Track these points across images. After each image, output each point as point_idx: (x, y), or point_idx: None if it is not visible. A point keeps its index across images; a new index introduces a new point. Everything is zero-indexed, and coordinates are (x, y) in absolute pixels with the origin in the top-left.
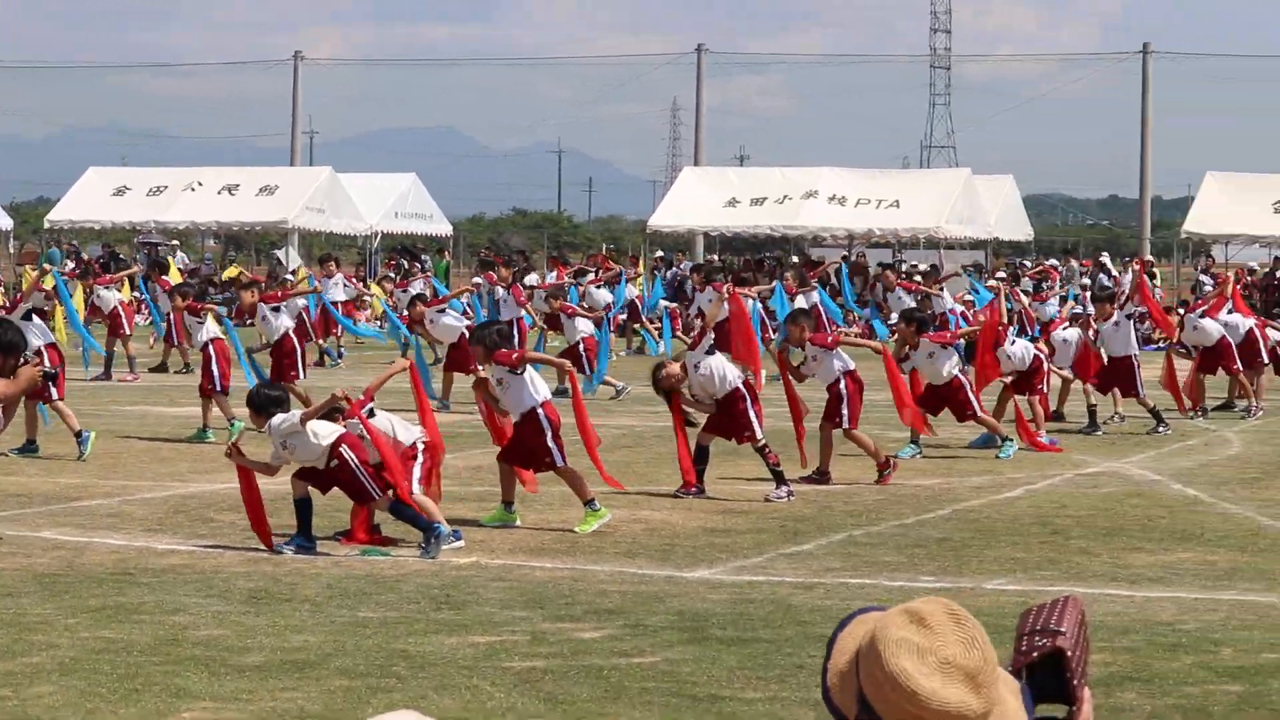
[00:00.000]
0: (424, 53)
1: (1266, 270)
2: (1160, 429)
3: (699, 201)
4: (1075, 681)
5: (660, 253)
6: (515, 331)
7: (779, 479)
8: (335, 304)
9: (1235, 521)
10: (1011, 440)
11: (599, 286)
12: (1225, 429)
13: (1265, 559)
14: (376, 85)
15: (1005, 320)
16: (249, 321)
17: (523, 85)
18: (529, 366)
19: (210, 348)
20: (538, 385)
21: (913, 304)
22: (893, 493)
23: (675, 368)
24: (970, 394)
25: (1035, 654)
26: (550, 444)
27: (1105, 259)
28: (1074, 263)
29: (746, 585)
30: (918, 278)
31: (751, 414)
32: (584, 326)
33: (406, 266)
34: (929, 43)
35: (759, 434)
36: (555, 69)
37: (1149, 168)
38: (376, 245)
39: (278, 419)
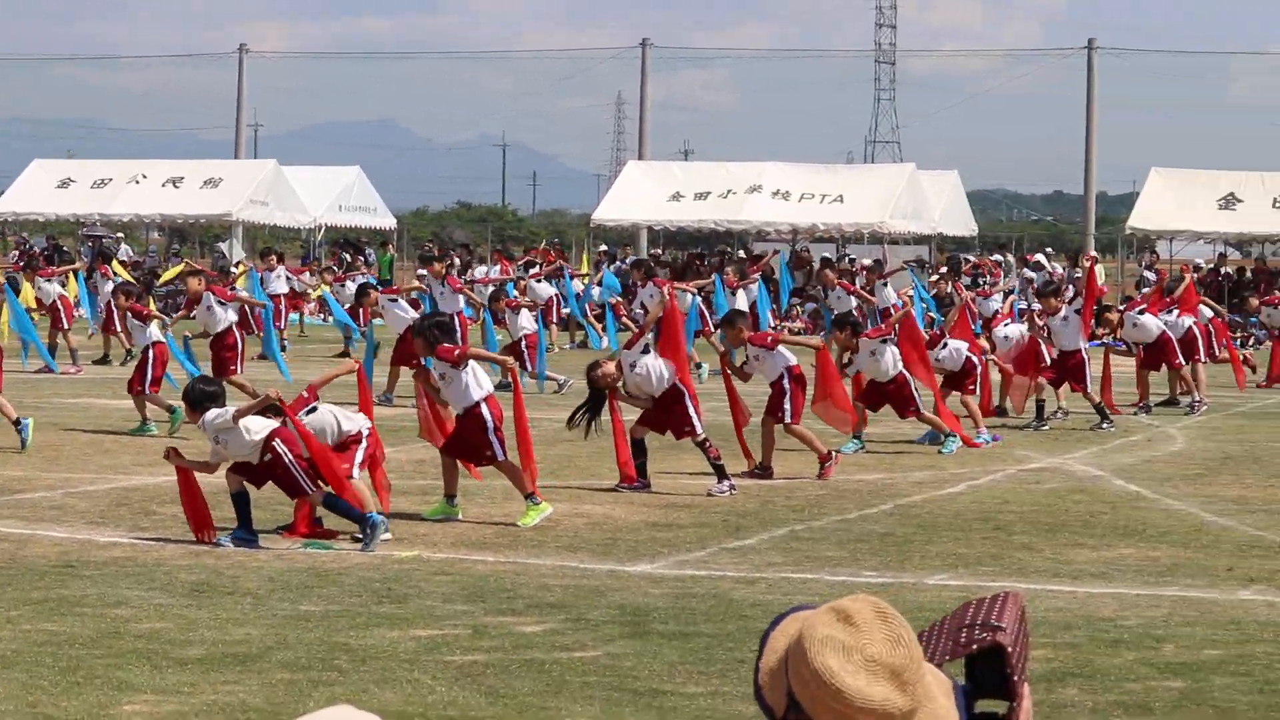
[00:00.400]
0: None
1: (1211, 266)
2: (1104, 425)
3: (643, 196)
4: (1016, 678)
5: (604, 246)
6: (456, 325)
7: (720, 473)
8: (277, 297)
9: (1178, 517)
10: (954, 436)
11: (539, 280)
12: (1168, 425)
13: (1207, 555)
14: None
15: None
16: (192, 316)
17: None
18: (471, 362)
19: (151, 351)
20: (480, 380)
21: (853, 303)
22: (835, 487)
23: (610, 367)
24: (913, 390)
25: (975, 646)
26: (491, 438)
27: (1041, 257)
28: (1009, 257)
29: (688, 580)
30: (860, 276)
31: (691, 410)
32: (526, 323)
33: (349, 260)
34: (874, 38)
35: (699, 429)
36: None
37: (1093, 163)
38: (320, 238)
39: (211, 414)
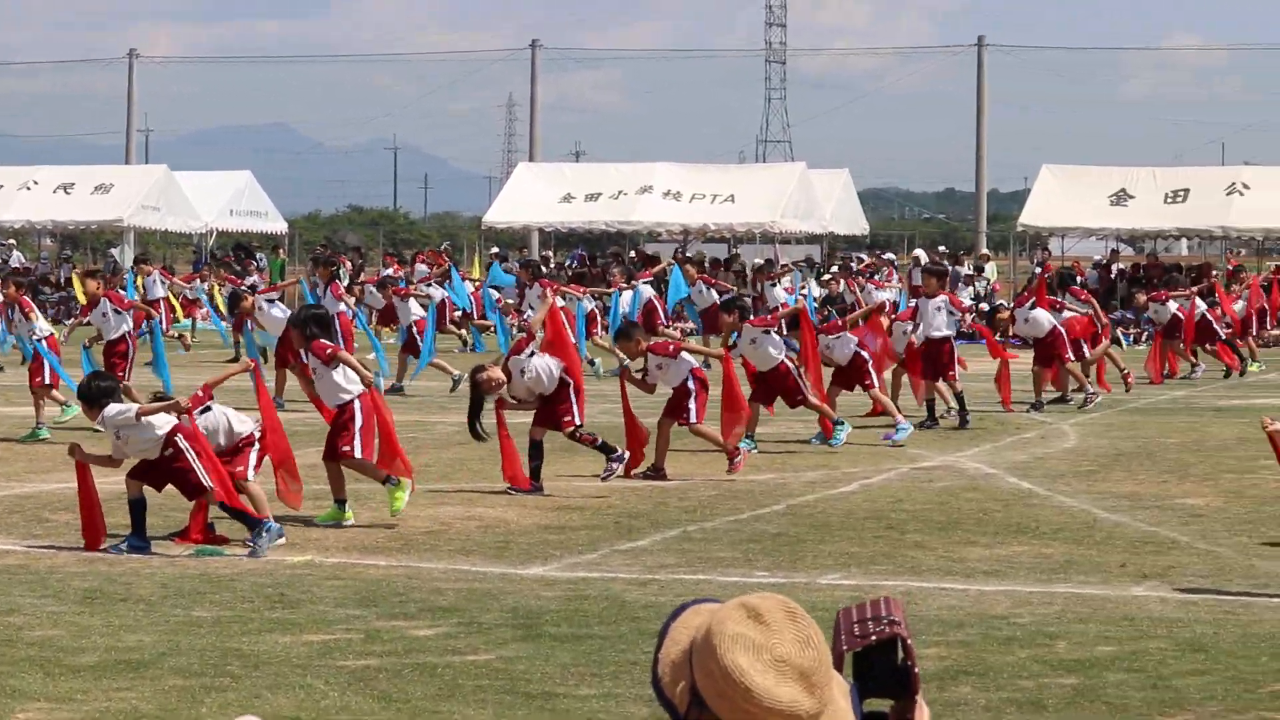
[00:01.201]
0: (259, 49)
1: (1103, 262)
2: (964, 421)
3: (534, 197)
4: (915, 669)
5: (496, 249)
6: (336, 325)
7: (606, 451)
8: (155, 302)
9: (1070, 514)
10: (844, 424)
11: (429, 284)
12: (1061, 422)
13: (1100, 551)
14: (212, 82)
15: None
16: (87, 322)
17: (358, 81)
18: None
19: (43, 344)
20: (350, 379)
21: (715, 297)
22: (727, 488)
23: (496, 372)
24: (800, 379)
25: (874, 638)
26: (355, 434)
27: (920, 253)
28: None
29: (581, 582)
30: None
31: (573, 402)
32: (415, 309)
33: (240, 267)
34: (764, 37)
35: (576, 419)
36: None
37: (984, 161)
38: (212, 243)
39: (112, 410)
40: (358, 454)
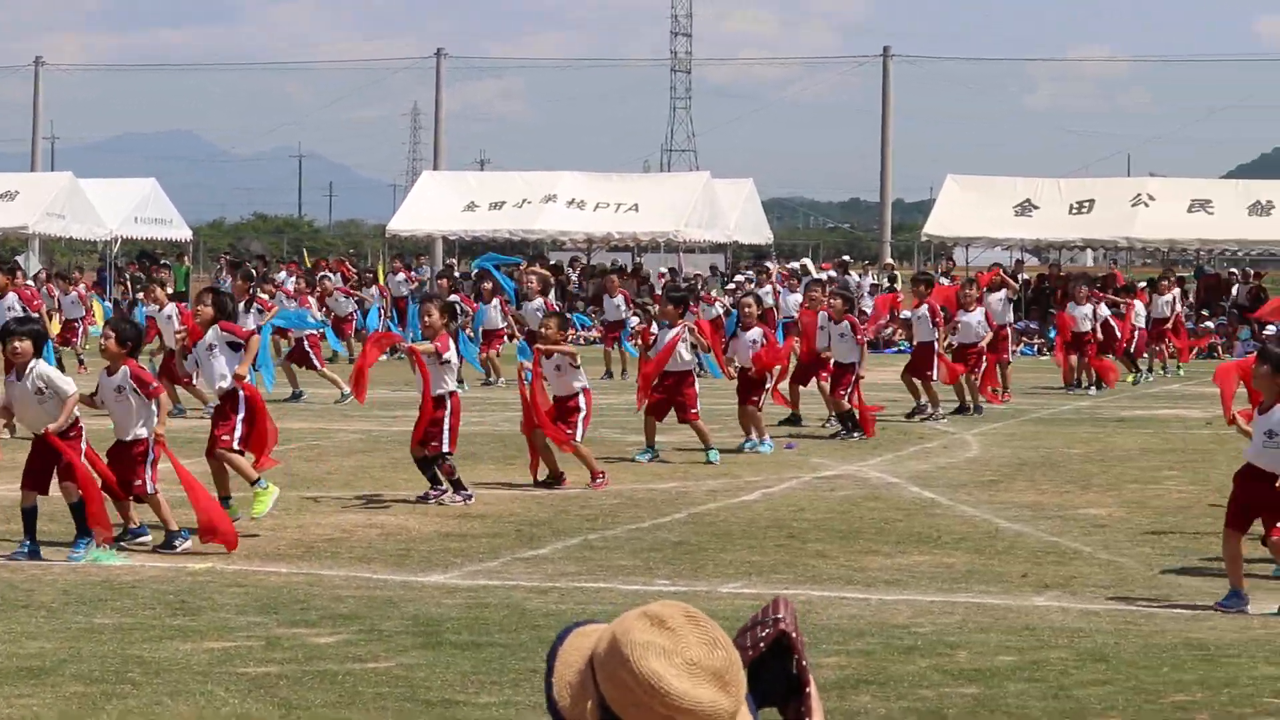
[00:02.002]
0: (165, 57)
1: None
2: (853, 434)
3: (438, 206)
4: (804, 663)
5: (399, 257)
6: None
7: (434, 482)
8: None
9: (972, 524)
10: (753, 441)
11: (344, 296)
12: (964, 432)
13: (1001, 561)
14: (118, 90)
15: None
16: None
17: (263, 89)
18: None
19: None
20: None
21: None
22: (628, 496)
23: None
24: (695, 394)
25: (762, 644)
26: (236, 425)
27: (806, 263)
28: (809, 264)
29: (481, 590)
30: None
31: (446, 425)
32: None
33: (145, 277)
34: (670, 47)
35: (445, 445)
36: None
37: (890, 170)
38: (117, 251)
39: (44, 366)
40: (235, 447)
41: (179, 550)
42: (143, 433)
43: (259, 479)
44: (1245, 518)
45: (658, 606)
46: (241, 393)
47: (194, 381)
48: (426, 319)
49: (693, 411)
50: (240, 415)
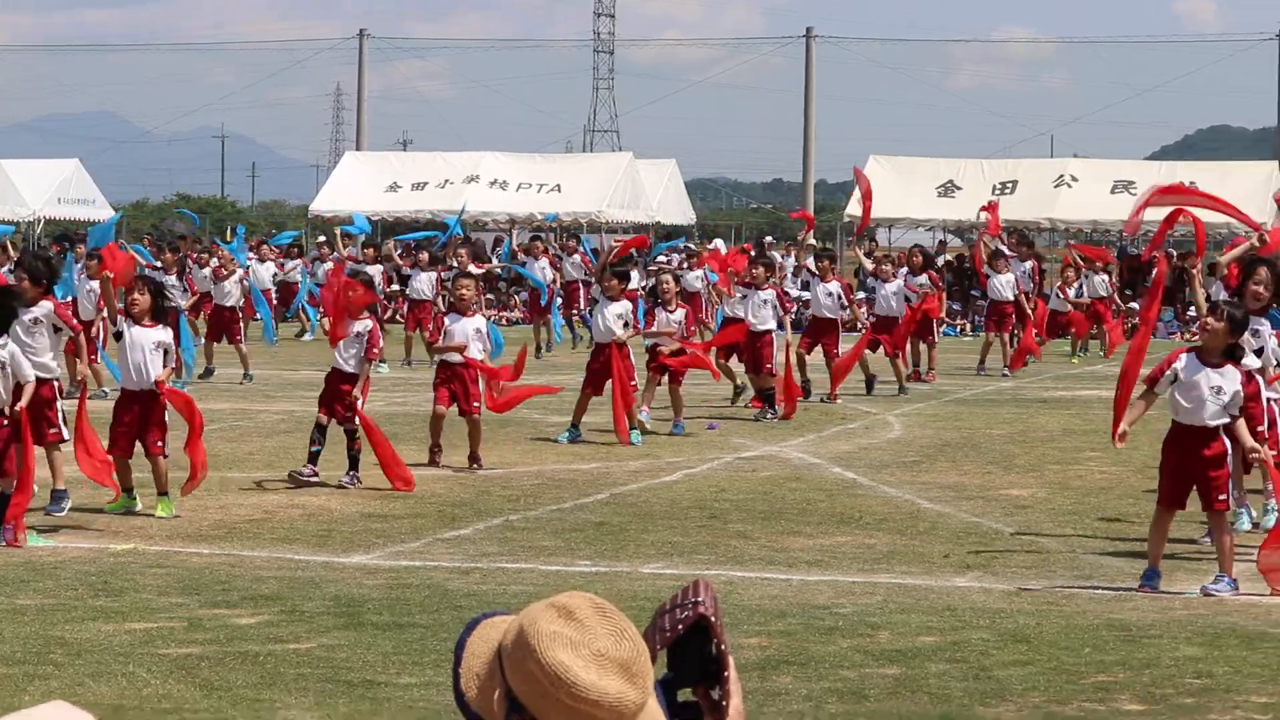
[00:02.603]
0: (88, 38)
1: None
2: (769, 415)
3: (361, 186)
4: (723, 647)
5: (323, 238)
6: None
7: (353, 464)
8: None
9: (894, 504)
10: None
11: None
12: (886, 412)
13: (923, 542)
14: (39, 71)
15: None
16: None
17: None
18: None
19: None
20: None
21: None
22: (550, 477)
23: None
24: (634, 368)
25: (681, 627)
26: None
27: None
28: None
29: (403, 570)
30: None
31: (357, 399)
32: (233, 290)
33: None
34: (593, 27)
35: (356, 421)
36: (219, 53)
37: (812, 151)
38: (40, 232)
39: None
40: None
41: (59, 514)
42: (53, 367)
43: (167, 491)
44: (1182, 491)
45: (565, 597)
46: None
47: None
48: (351, 294)
49: (632, 384)
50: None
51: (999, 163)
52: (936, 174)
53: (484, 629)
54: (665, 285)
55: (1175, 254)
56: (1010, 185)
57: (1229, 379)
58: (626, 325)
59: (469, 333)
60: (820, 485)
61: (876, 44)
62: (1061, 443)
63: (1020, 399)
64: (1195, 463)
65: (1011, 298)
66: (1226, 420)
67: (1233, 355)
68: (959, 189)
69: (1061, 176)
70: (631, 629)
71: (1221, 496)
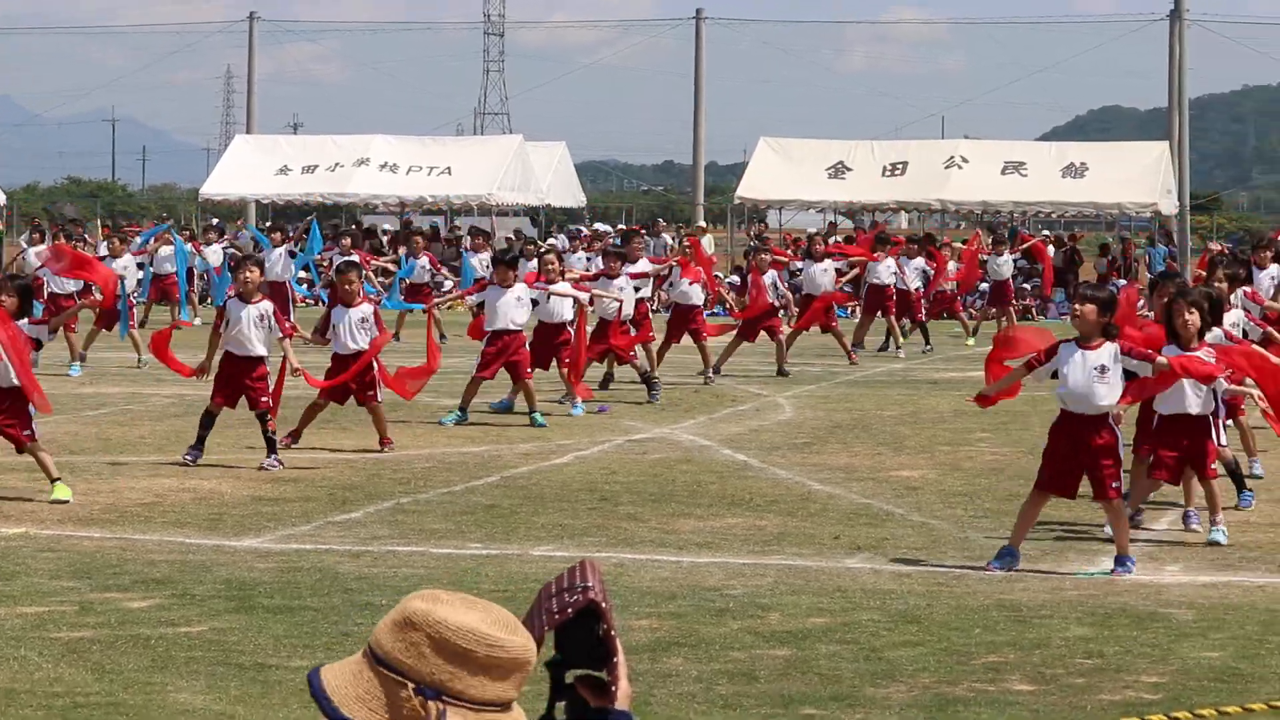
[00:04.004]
0: None
1: (820, 234)
2: (653, 396)
3: (251, 170)
4: (612, 632)
5: (215, 220)
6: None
7: (271, 447)
8: None
9: (785, 486)
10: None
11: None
12: (777, 394)
13: (814, 524)
14: None
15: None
16: None
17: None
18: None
19: None
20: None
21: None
22: (441, 460)
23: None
24: (525, 354)
25: (570, 610)
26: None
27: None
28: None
29: (294, 554)
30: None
31: (269, 382)
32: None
33: None
34: (483, 10)
35: (269, 401)
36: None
37: (702, 133)
38: None
39: None
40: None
41: None
42: None
43: (59, 477)
44: (1071, 480)
45: (419, 593)
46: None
47: None
48: (245, 277)
49: (528, 371)
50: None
51: (889, 144)
52: (827, 156)
53: (326, 673)
54: (550, 264)
55: (1066, 236)
56: (900, 166)
57: (1108, 354)
58: (526, 307)
59: (354, 322)
60: (711, 467)
61: (767, 25)
62: (952, 424)
63: (911, 380)
64: (1085, 452)
65: (891, 283)
66: (1115, 401)
67: (1108, 335)
68: (849, 170)
69: (952, 158)
70: (485, 602)
71: (1114, 484)
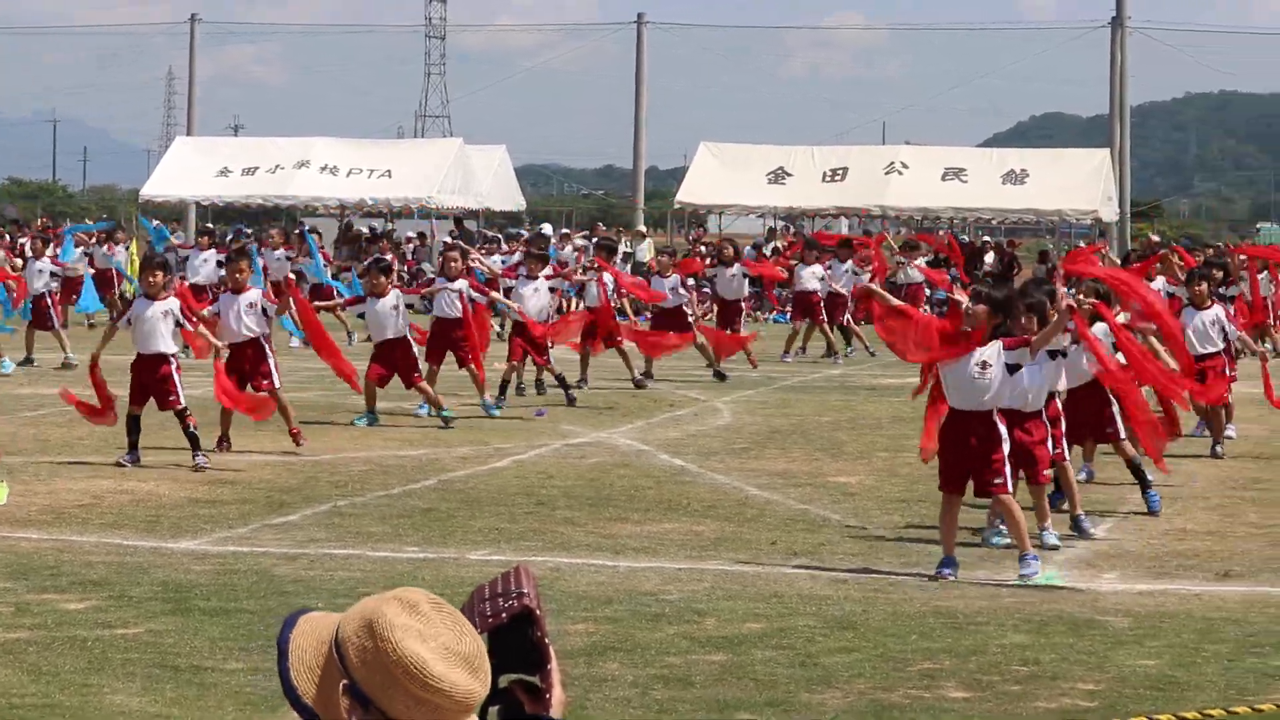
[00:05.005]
0: None
1: (761, 240)
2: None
3: (191, 171)
4: (546, 639)
5: (156, 221)
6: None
7: (194, 443)
8: None
9: (722, 492)
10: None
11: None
12: (715, 399)
13: (751, 529)
14: None
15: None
16: None
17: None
18: None
19: None
20: None
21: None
22: (378, 463)
23: None
24: (416, 357)
25: (505, 615)
26: None
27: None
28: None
29: (231, 556)
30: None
31: (176, 379)
32: (41, 282)
33: None
34: (425, 12)
35: (181, 400)
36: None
37: (643, 137)
38: None
39: None
40: None
41: None
42: None
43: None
44: (961, 476)
45: (404, 592)
46: None
47: None
48: (150, 278)
49: (416, 374)
50: None
51: (829, 149)
52: (767, 161)
53: (305, 624)
54: (453, 261)
55: (1006, 242)
56: (841, 172)
57: (992, 350)
58: (401, 314)
59: (242, 308)
60: (648, 472)
61: (709, 30)
62: (890, 430)
63: (849, 386)
64: (968, 449)
65: (816, 288)
66: (998, 398)
67: (996, 335)
68: (790, 176)
69: (892, 164)
70: (469, 626)
71: (998, 480)
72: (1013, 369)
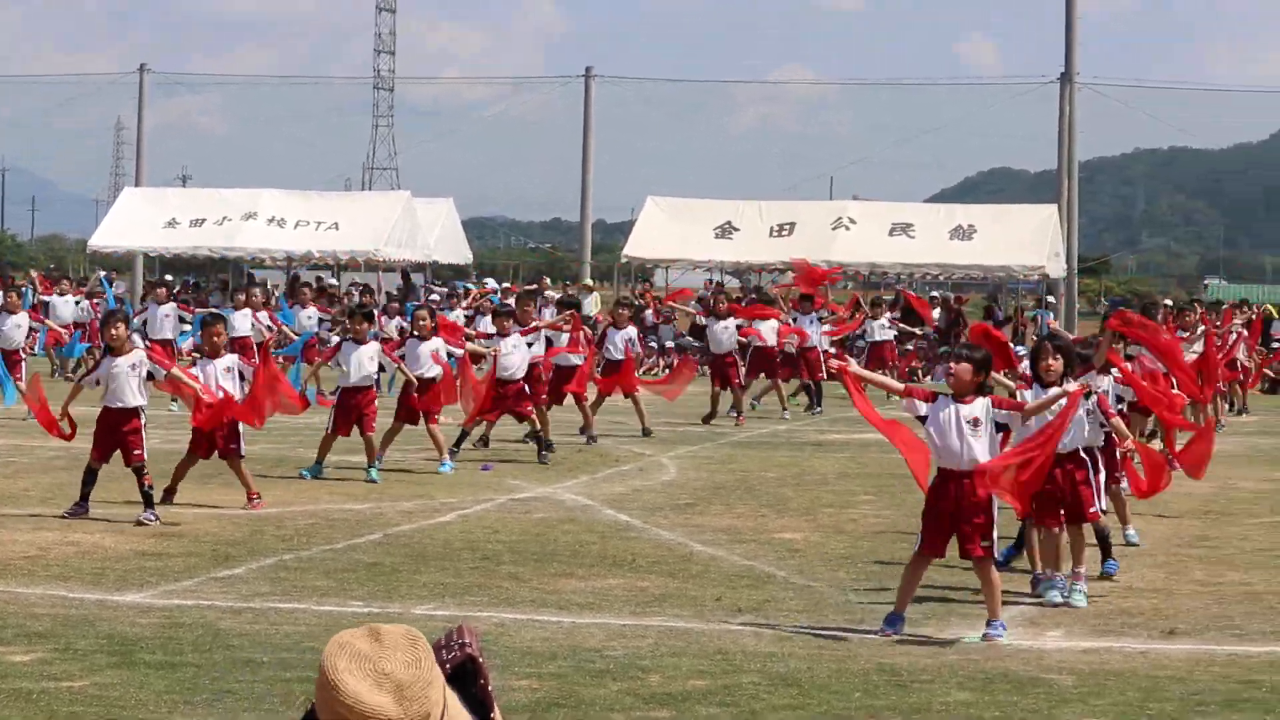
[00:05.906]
0: None
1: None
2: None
3: (140, 222)
4: (490, 688)
5: (103, 273)
6: None
7: (147, 501)
8: None
9: (667, 547)
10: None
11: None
12: (660, 454)
13: (695, 585)
14: None
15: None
16: None
17: None
18: None
19: None
20: None
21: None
22: (324, 516)
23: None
24: (374, 409)
25: (449, 665)
26: None
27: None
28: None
29: (176, 609)
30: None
31: (143, 435)
32: (17, 336)
33: None
34: (373, 65)
35: (145, 455)
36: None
37: (590, 191)
38: None
39: None
40: None
41: None
42: None
43: None
44: (944, 539)
45: (388, 626)
46: None
47: None
48: (114, 332)
49: (372, 424)
50: None
51: (777, 204)
52: (714, 215)
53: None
54: (421, 320)
55: (953, 297)
56: (788, 227)
57: (980, 408)
58: (380, 365)
59: (218, 373)
60: (593, 527)
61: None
62: (835, 486)
63: (795, 442)
64: (956, 510)
65: (774, 343)
66: (987, 457)
67: (982, 393)
68: (737, 230)
69: (840, 219)
70: (431, 663)
71: (984, 543)
72: (1000, 428)
